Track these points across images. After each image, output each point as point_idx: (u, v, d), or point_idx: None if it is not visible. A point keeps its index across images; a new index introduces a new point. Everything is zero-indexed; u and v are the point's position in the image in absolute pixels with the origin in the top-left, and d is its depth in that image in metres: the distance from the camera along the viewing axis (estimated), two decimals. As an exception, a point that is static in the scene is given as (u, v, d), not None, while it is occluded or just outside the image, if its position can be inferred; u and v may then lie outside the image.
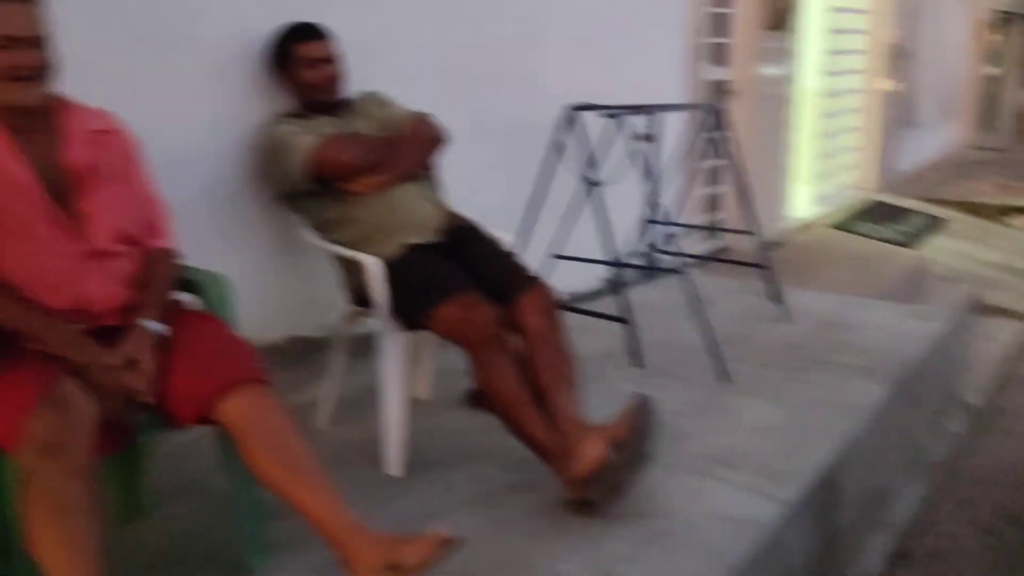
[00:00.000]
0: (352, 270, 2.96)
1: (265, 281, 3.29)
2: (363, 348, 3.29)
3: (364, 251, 2.91)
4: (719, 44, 6.05)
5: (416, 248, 2.91)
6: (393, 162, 2.97)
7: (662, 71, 5.31)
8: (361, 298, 2.98)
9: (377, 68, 3.39)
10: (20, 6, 2.04)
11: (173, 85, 2.93)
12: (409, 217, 2.96)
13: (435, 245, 2.94)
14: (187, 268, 2.38)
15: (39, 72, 2.08)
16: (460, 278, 2.76)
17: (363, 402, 3.19)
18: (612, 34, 4.77)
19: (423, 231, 2.96)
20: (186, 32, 2.94)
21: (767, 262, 4.58)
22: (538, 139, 4.28)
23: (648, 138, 3.94)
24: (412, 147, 3.02)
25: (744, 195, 4.47)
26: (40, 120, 2.14)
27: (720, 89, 6.08)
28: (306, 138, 2.91)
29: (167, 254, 2.34)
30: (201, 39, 2.99)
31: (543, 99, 4.36)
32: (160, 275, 2.26)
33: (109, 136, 2.27)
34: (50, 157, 2.13)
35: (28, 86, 2.07)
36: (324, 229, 3.02)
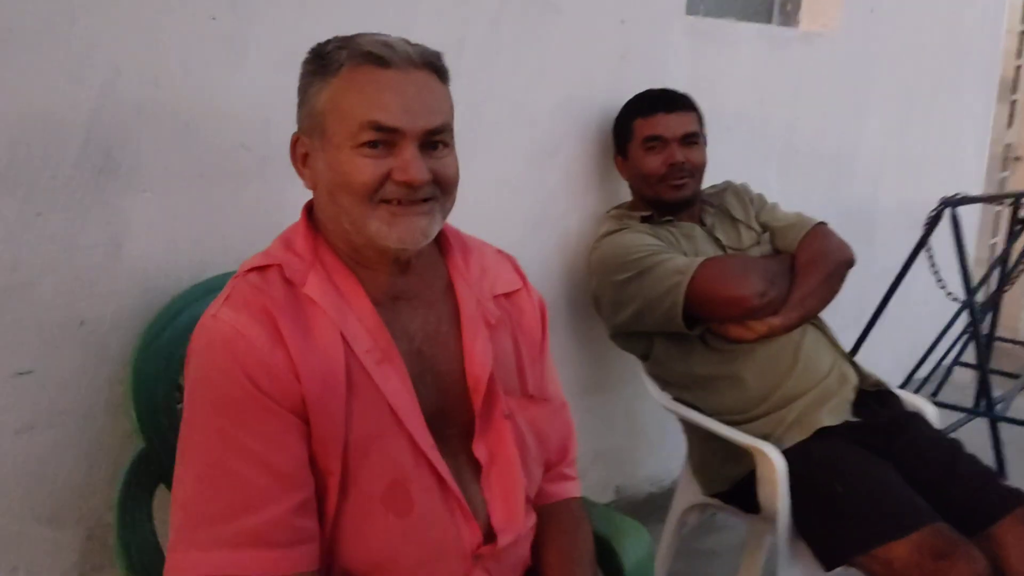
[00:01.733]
0: (724, 452, 2.04)
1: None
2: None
3: (746, 428, 2.00)
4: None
5: (827, 433, 1.97)
6: (796, 297, 2.03)
7: (965, 138, 4.27)
8: (730, 492, 2.07)
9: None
10: (426, 76, 1.17)
11: (495, 168, 2.06)
12: (819, 383, 2.03)
13: (853, 427, 2.00)
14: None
15: (430, 191, 1.17)
16: (912, 497, 1.82)
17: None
18: (920, 101, 3.76)
19: (837, 406, 2.01)
20: (514, 101, 2.07)
21: None
22: (849, 225, 3.35)
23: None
24: (819, 276, 2.07)
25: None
26: (419, 277, 1.25)
27: (1005, 155, 5.03)
28: (676, 259, 2.00)
29: (581, 511, 1.42)
30: (529, 109, 2.11)
31: (852, 177, 3.42)
32: (582, 558, 1.34)
33: (516, 303, 1.36)
34: (433, 355, 1.23)
35: (414, 215, 1.16)
36: (685, 387, 2.10)
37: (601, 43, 2.23)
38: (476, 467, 1.24)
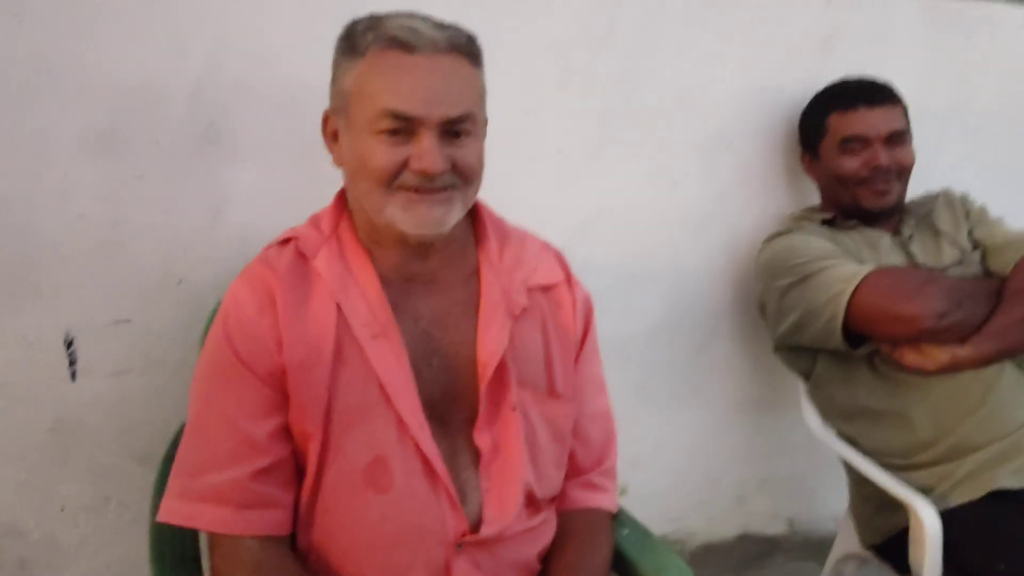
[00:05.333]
0: (878, 501, 1.77)
1: (720, 450, 2.21)
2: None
3: (906, 477, 1.72)
4: None
5: (1007, 498, 1.63)
6: (996, 326, 1.67)
7: None
8: (885, 546, 1.79)
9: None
10: (453, 61, 1.15)
11: (652, 160, 1.93)
12: (1004, 434, 1.69)
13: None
14: (624, 531, 1.36)
15: (448, 180, 1.16)
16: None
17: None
18: None
19: (1027, 467, 1.67)
20: (678, 87, 1.91)
21: None
22: None
23: None
24: None
25: None
26: (442, 262, 1.24)
27: None
28: (845, 266, 1.75)
29: (602, 524, 1.32)
30: (697, 97, 1.94)
31: None
32: (588, 572, 1.25)
33: (553, 297, 1.30)
34: (443, 337, 1.22)
35: (430, 203, 1.15)
36: (846, 418, 1.85)
37: (797, 26, 2.00)
38: (477, 455, 1.20)
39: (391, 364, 1.15)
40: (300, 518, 1.17)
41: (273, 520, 1.13)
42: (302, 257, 1.20)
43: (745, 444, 2.20)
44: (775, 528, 2.32)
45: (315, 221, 1.26)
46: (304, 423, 1.14)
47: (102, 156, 1.42)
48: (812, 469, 2.30)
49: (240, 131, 1.51)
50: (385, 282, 1.19)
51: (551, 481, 1.26)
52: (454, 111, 1.11)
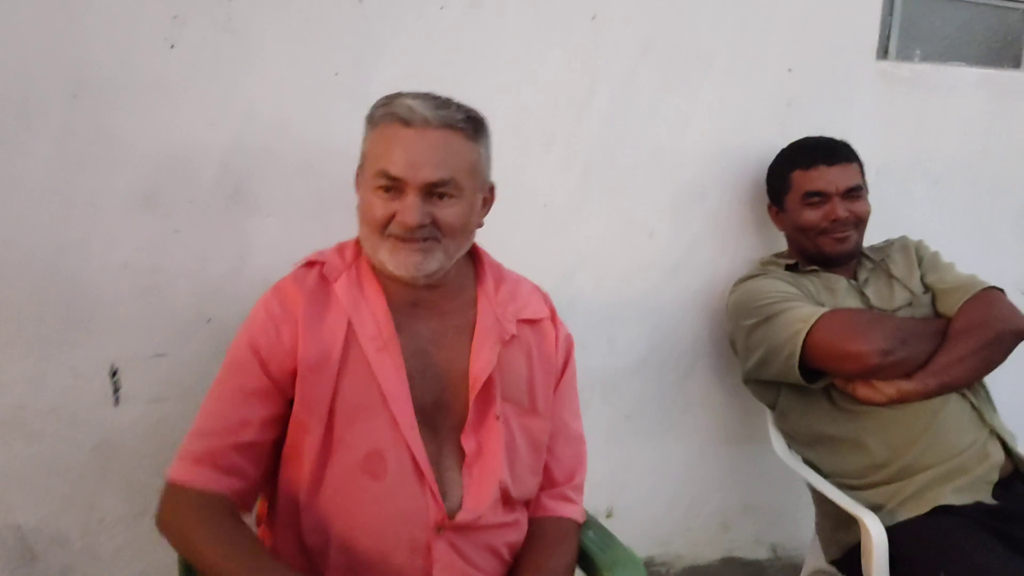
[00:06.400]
0: (836, 518, 1.94)
1: (703, 477, 2.39)
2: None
3: (859, 495, 1.89)
4: None
5: (951, 513, 1.80)
6: (939, 363, 1.88)
7: None
8: (843, 560, 1.96)
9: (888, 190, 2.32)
10: (443, 135, 1.36)
11: (628, 210, 2.14)
12: (949, 456, 1.87)
13: (985, 510, 1.81)
14: (589, 533, 1.55)
15: (428, 232, 1.38)
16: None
17: None
18: None
19: (969, 485, 1.84)
20: (653, 145, 2.13)
21: None
22: None
23: None
24: (972, 343, 1.89)
25: None
26: (442, 294, 1.45)
27: None
28: (803, 308, 1.94)
29: (569, 532, 1.50)
30: (671, 154, 2.16)
31: None
32: (559, 569, 1.43)
33: (539, 330, 1.52)
34: (438, 354, 1.42)
35: (411, 250, 1.38)
36: (807, 444, 2.03)
37: (762, 90, 2.22)
38: (462, 457, 1.39)
39: (390, 373, 1.36)
40: (301, 502, 1.36)
41: (232, 486, 1.33)
42: (325, 280, 1.42)
43: (727, 472, 2.38)
44: (759, 553, 2.48)
45: (340, 249, 1.48)
46: (308, 417, 1.35)
47: (144, 213, 1.65)
48: (792, 496, 2.45)
49: (262, 190, 1.74)
50: (392, 306, 1.41)
51: (526, 485, 1.46)
52: (434, 176, 1.34)
